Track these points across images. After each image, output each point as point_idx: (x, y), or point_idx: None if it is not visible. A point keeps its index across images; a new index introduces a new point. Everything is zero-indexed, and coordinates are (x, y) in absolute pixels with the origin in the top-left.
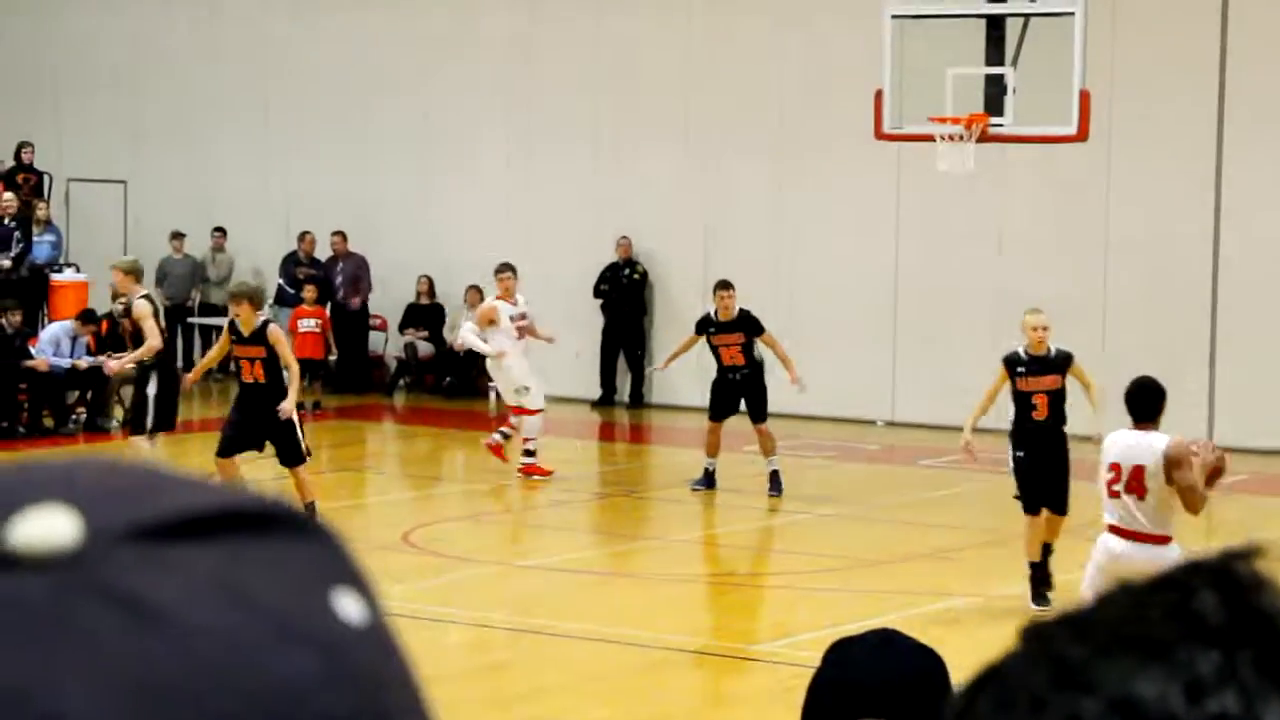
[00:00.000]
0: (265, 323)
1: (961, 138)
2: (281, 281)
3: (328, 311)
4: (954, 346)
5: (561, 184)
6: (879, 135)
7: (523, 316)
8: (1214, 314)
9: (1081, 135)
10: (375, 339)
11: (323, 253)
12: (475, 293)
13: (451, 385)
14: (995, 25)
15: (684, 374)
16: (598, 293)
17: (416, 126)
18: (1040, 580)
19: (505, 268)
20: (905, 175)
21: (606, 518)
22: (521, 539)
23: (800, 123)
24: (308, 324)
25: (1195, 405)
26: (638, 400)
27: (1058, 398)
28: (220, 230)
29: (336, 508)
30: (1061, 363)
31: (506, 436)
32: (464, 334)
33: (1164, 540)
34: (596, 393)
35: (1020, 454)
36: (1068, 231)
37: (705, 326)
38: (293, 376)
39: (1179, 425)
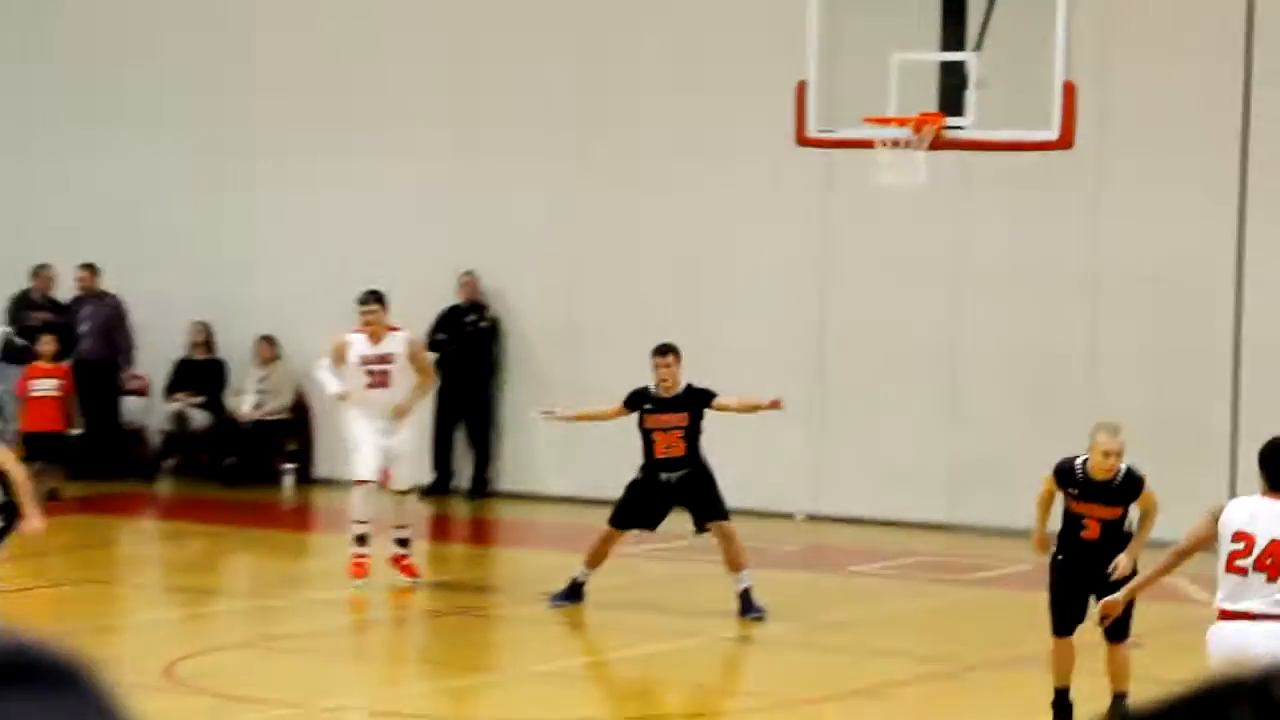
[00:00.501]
0: None
1: (910, 143)
2: (8, 330)
3: (70, 369)
4: (895, 418)
5: (388, 204)
6: (802, 141)
7: (382, 360)
8: (1236, 367)
9: (1064, 141)
10: (133, 406)
11: (64, 292)
12: (266, 345)
13: (235, 467)
14: None
15: (544, 451)
16: (433, 345)
17: (195, 128)
18: (1061, 712)
19: (369, 298)
20: (837, 193)
21: (439, 644)
22: (324, 673)
23: (701, 125)
24: (43, 386)
25: (1214, 474)
26: (481, 488)
27: (1116, 524)
28: None
29: (80, 630)
30: (1128, 492)
31: (403, 543)
32: (317, 369)
33: None
34: (428, 477)
35: (1061, 557)
36: (1046, 265)
37: (639, 403)
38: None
39: (1197, 499)
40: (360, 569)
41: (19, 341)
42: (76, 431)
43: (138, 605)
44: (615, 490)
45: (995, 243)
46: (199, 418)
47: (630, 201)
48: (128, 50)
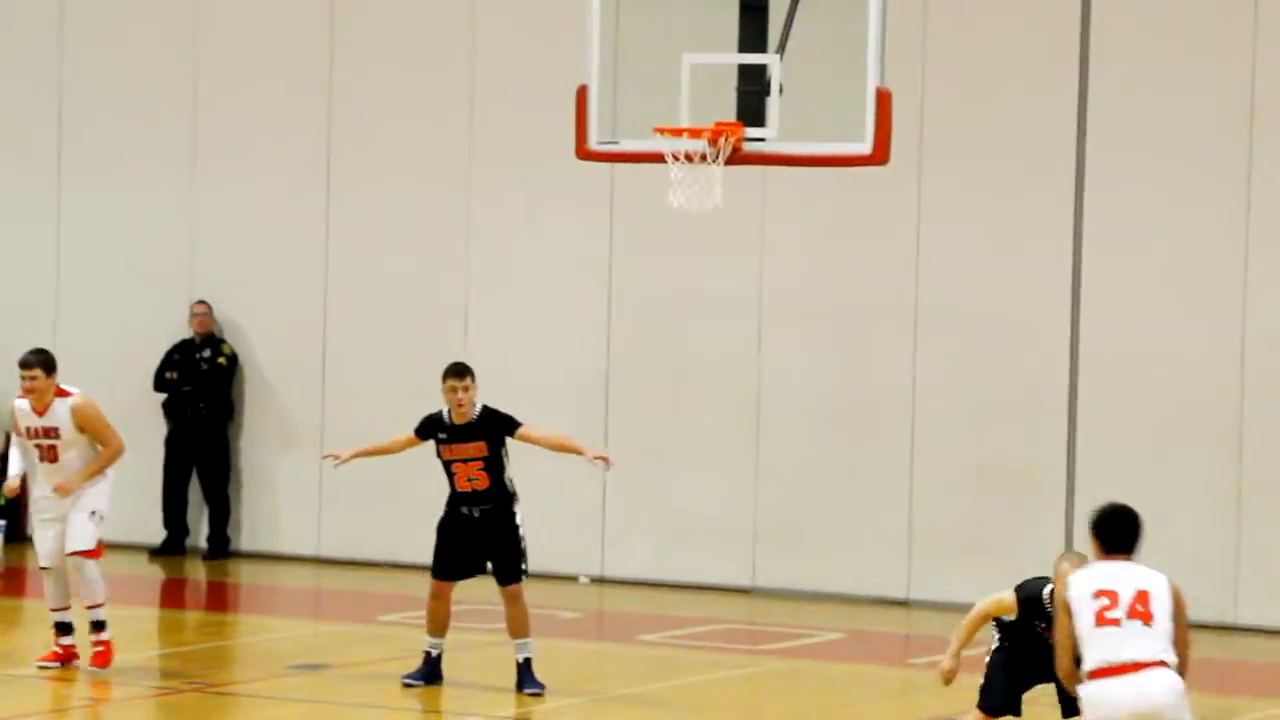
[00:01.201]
0: None
1: (705, 157)
2: None
3: None
4: (690, 469)
5: (103, 211)
6: (583, 154)
7: (47, 433)
8: (1072, 408)
9: (878, 156)
10: None
11: None
12: None
13: None
14: None
15: (289, 505)
16: (161, 384)
17: None
18: None
19: (29, 360)
20: (621, 212)
21: None
22: None
23: (466, 135)
24: None
25: (1046, 525)
26: (221, 547)
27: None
28: None
29: None
30: None
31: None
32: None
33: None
34: (158, 536)
35: (1006, 644)
36: (859, 295)
37: (432, 431)
38: None
39: (1030, 550)
40: (60, 657)
41: None
42: None
43: None
44: (371, 549)
45: (799, 270)
46: None
47: (386, 223)
48: None
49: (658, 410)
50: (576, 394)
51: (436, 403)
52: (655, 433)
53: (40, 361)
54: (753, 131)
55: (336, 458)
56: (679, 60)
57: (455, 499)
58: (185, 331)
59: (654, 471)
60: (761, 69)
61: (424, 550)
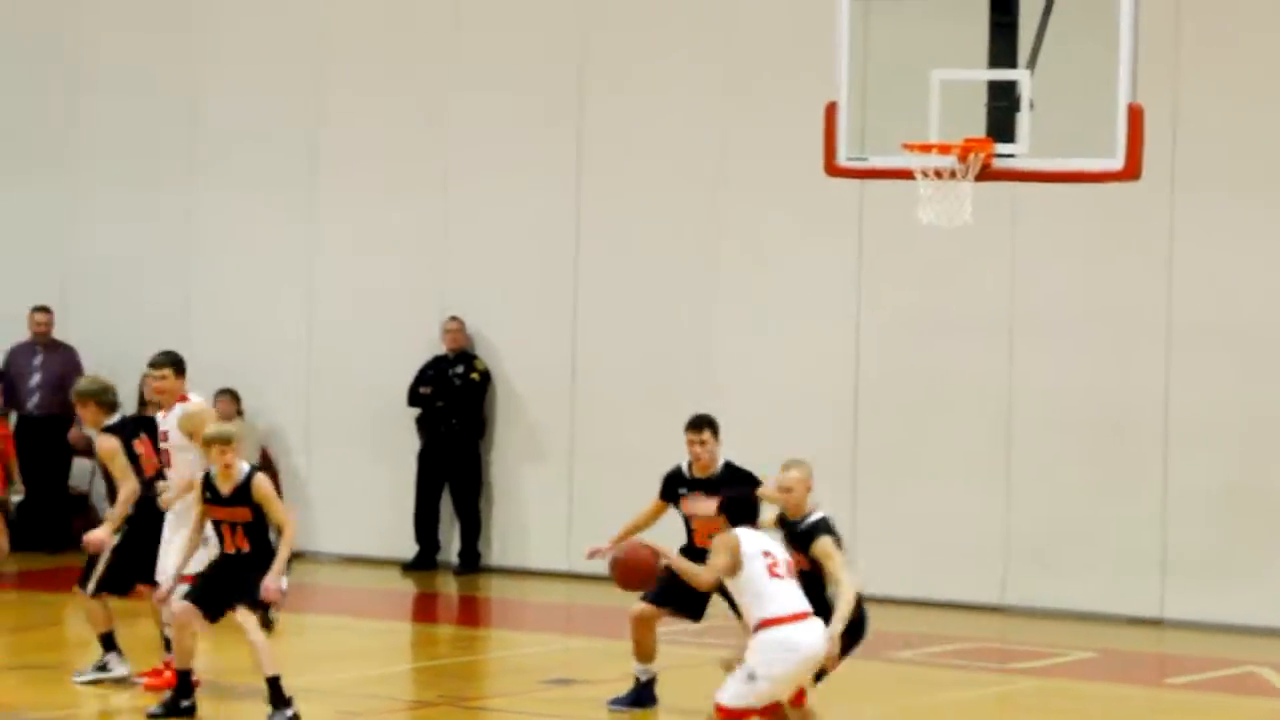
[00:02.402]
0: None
1: (954, 173)
2: None
3: (11, 426)
4: (937, 482)
5: (356, 230)
6: (832, 170)
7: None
8: None
9: (1130, 172)
10: (81, 468)
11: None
12: (227, 400)
13: None
14: (1003, 8)
15: (539, 521)
16: (415, 400)
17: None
18: None
19: (161, 360)
20: (870, 229)
21: None
22: None
23: (716, 156)
24: None
25: None
26: (472, 562)
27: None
28: None
29: None
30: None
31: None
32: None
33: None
34: (410, 550)
35: None
36: (1112, 312)
37: (674, 488)
38: None
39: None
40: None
41: None
42: (17, 498)
43: (94, 694)
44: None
45: (1052, 285)
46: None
47: (638, 240)
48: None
49: (908, 427)
50: (827, 411)
51: (684, 414)
52: (906, 450)
53: (169, 361)
54: (1003, 147)
55: (598, 550)
56: (928, 76)
57: (691, 552)
58: (438, 347)
59: (905, 489)
60: (1011, 84)
61: None
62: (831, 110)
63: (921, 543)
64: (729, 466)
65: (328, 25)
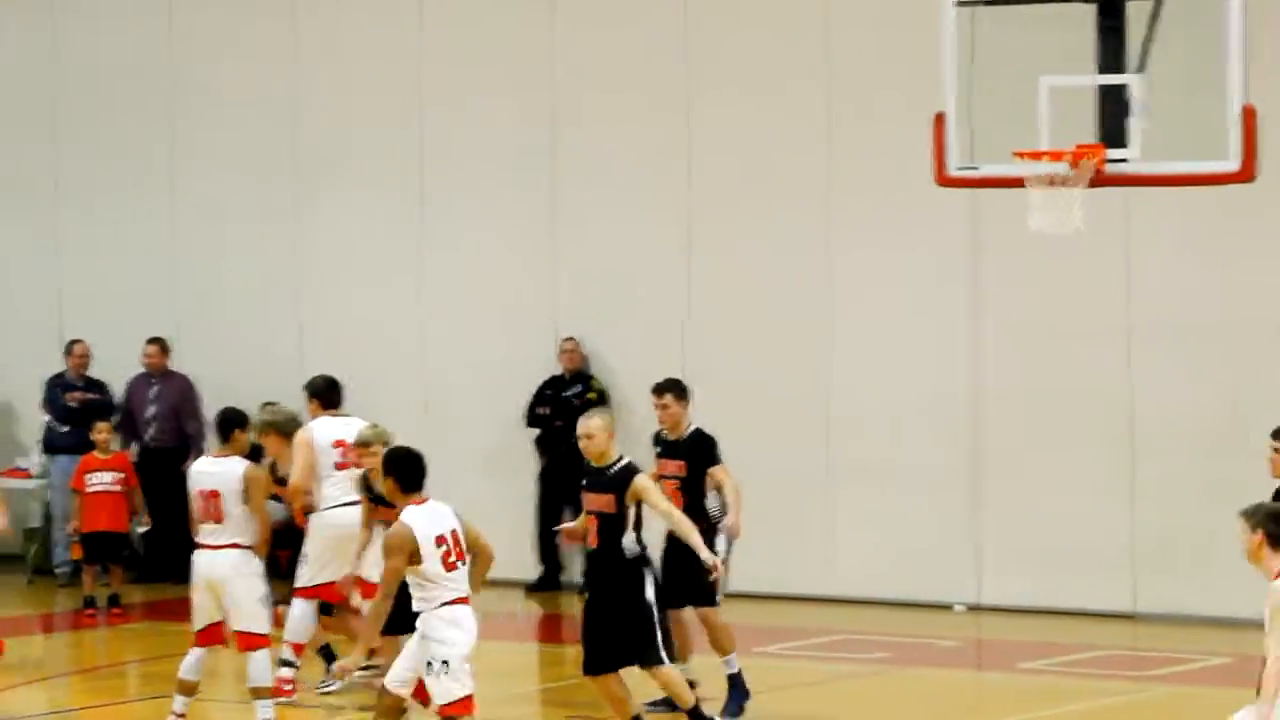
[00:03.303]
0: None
1: (1066, 180)
2: (49, 417)
3: (133, 458)
4: (1060, 489)
5: (468, 251)
6: (942, 180)
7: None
8: None
9: (1245, 174)
10: None
11: (112, 370)
12: None
13: None
14: (1111, 12)
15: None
16: (534, 420)
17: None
18: None
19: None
20: (982, 238)
21: None
22: None
23: (824, 167)
24: (102, 480)
25: None
26: None
27: None
28: None
29: None
30: None
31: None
32: None
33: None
34: (534, 572)
35: None
36: (1233, 315)
37: (655, 447)
38: None
39: None
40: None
41: (60, 428)
42: (142, 529)
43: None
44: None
45: (1169, 290)
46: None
47: (749, 256)
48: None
49: (1028, 435)
50: (943, 421)
51: (799, 429)
52: (1026, 458)
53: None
54: (1114, 153)
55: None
56: (1036, 83)
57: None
58: (555, 368)
59: (1027, 497)
60: (1121, 89)
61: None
62: (940, 121)
63: (1047, 551)
64: (697, 432)
65: (424, 49)
